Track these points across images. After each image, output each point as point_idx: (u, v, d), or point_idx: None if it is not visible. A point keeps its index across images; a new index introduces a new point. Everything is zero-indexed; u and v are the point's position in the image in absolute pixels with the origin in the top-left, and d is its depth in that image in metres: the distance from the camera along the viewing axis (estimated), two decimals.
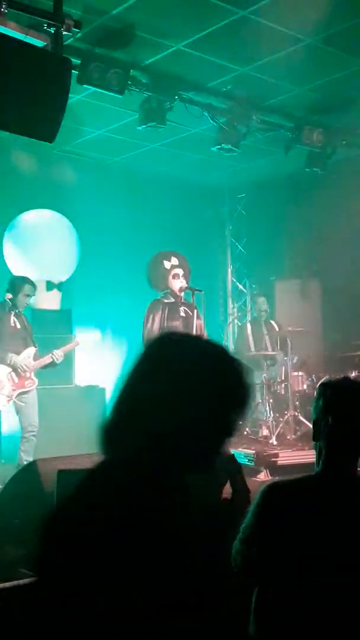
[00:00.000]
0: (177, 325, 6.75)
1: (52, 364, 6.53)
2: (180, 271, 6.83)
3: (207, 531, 1.88)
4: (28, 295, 6.55)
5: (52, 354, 6.48)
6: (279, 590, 2.08)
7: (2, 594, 3.12)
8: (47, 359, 6.48)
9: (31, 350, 6.48)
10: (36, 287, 6.75)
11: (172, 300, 6.83)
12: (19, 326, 6.48)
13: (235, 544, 2.21)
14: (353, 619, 2.01)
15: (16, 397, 6.32)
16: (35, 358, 6.48)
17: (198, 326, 6.72)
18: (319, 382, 2.36)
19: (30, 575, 3.28)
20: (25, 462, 6.10)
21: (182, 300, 6.88)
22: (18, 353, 6.37)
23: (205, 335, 6.76)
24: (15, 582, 3.19)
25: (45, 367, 6.53)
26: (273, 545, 2.09)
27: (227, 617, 2.63)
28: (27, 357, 6.42)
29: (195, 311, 6.74)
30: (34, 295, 6.73)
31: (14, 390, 6.30)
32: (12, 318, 6.44)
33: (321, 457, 2.21)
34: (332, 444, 2.19)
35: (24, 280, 6.62)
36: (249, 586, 2.19)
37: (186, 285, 6.80)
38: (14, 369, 6.30)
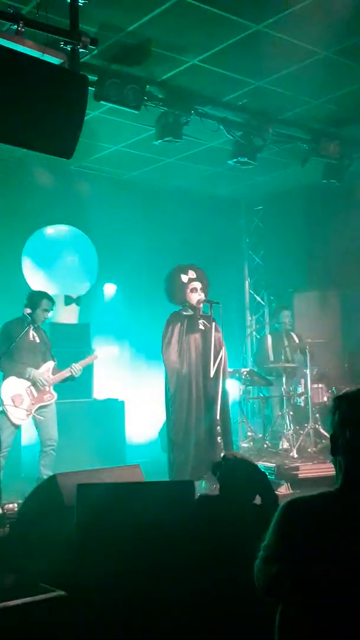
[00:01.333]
0: (196, 338, 6.75)
1: (71, 378, 6.55)
2: (198, 284, 6.83)
3: None
4: (46, 310, 6.59)
5: (71, 368, 6.51)
6: (302, 609, 2.05)
7: (23, 609, 3.12)
8: (65, 373, 6.51)
9: (50, 364, 6.51)
10: (54, 302, 6.79)
11: (191, 313, 6.83)
12: (37, 340, 6.52)
13: (257, 562, 2.19)
14: None
15: (35, 411, 6.34)
16: (54, 372, 6.50)
17: (217, 339, 6.70)
18: (333, 398, 2.33)
19: (51, 590, 3.28)
20: (45, 476, 6.10)
21: (201, 313, 6.87)
22: (37, 367, 6.40)
23: (224, 347, 6.74)
24: (36, 597, 3.19)
25: (64, 381, 6.55)
26: (295, 563, 2.07)
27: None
28: (46, 371, 6.45)
29: (214, 324, 6.73)
30: (52, 310, 6.77)
31: (33, 404, 6.32)
32: (31, 332, 6.48)
33: (341, 472, 2.18)
34: (352, 458, 2.16)
35: (43, 295, 6.66)
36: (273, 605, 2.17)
37: (204, 298, 6.80)
38: (33, 383, 6.33)
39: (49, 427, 6.47)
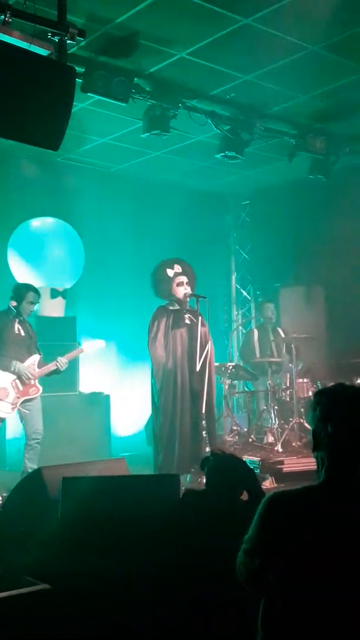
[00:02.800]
0: (182, 333, 6.75)
1: (57, 371, 6.53)
2: (184, 279, 6.84)
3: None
4: (32, 303, 6.56)
5: (57, 361, 6.49)
6: (285, 601, 2.07)
7: (8, 602, 3.11)
8: (51, 367, 6.48)
9: (35, 358, 6.48)
10: (40, 294, 6.75)
11: (177, 307, 6.83)
12: (23, 334, 6.48)
13: (240, 555, 2.20)
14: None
15: (21, 404, 6.32)
16: (40, 365, 6.48)
17: (203, 333, 6.71)
18: (314, 393, 2.33)
19: (35, 583, 3.28)
20: (29, 470, 6.09)
21: (187, 308, 6.88)
22: (22, 360, 6.37)
23: (210, 341, 6.75)
24: (20, 590, 3.18)
25: (50, 374, 6.53)
26: (276, 556, 2.08)
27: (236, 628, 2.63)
28: (31, 364, 6.42)
29: (200, 318, 6.74)
30: (38, 302, 6.74)
31: (18, 397, 6.29)
32: (17, 325, 6.44)
33: (323, 467, 2.19)
34: (334, 453, 2.17)
35: (28, 287, 6.63)
36: (257, 598, 2.18)
37: (190, 292, 6.80)
38: (18, 376, 6.30)
39: (34, 421, 6.44)
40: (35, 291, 6.61)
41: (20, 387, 6.32)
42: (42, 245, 8.60)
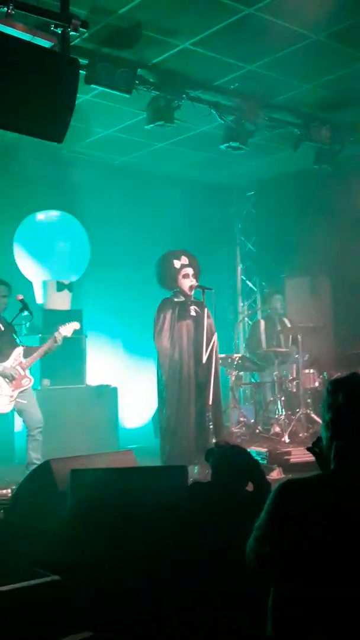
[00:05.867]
0: (188, 324, 6.74)
1: (50, 349, 6.45)
2: (190, 270, 6.82)
3: None
4: (4, 296, 6.49)
5: (54, 336, 6.41)
6: (295, 590, 2.07)
7: (18, 594, 3.13)
8: (41, 351, 6.43)
9: (19, 350, 6.40)
10: (8, 286, 6.63)
11: (183, 299, 6.82)
12: (3, 328, 6.42)
13: (249, 542, 2.19)
14: None
15: (17, 396, 6.30)
16: (28, 353, 6.41)
17: (208, 325, 6.70)
18: (330, 382, 2.32)
19: (45, 575, 3.29)
20: (34, 461, 6.10)
21: (192, 299, 6.87)
22: (6, 355, 6.31)
23: (215, 333, 6.74)
24: (30, 582, 3.20)
25: (45, 354, 6.46)
26: (287, 544, 2.08)
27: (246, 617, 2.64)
28: (17, 357, 6.35)
29: (206, 310, 6.73)
30: (8, 295, 6.57)
31: (13, 390, 6.27)
32: None
33: (335, 456, 2.18)
34: (349, 442, 2.17)
35: None
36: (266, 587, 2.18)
37: (196, 284, 6.78)
38: (4, 376, 6.25)
39: (32, 411, 6.41)
40: (4, 284, 6.54)
41: (13, 382, 6.29)
42: (47, 238, 8.60)
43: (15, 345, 6.41)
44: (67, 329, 6.50)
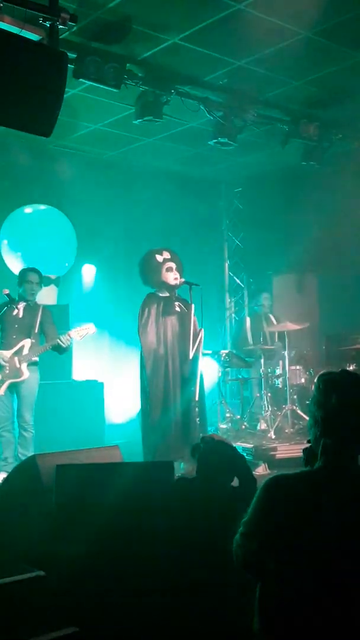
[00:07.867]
0: (173, 320, 6.74)
1: (57, 348, 6.45)
2: (172, 264, 6.82)
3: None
4: (31, 282, 6.55)
5: (63, 338, 6.41)
6: (282, 585, 2.07)
7: (2, 589, 3.13)
8: (42, 349, 6.45)
9: (26, 342, 6.41)
10: (39, 273, 6.65)
11: (167, 294, 6.82)
12: (22, 316, 6.49)
13: (236, 538, 2.20)
14: (357, 613, 2.00)
15: (12, 385, 6.33)
16: (33, 348, 6.44)
17: (194, 321, 6.70)
18: (321, 380, 2.32)
19: (29, 570, 3.29)
20: (22, 457, 6.10)
21: (177, 296, 6.88)
22: (13, 344, 6.37)
23: (202, 329, 6.72)
24: (15, 577, 3.20)
25: (55, 349, 6.46)
26: (275, 539, 2.09)
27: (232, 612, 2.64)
28: (20, 348, 6.38)
29: (192, 307, 6.72)
30: (36, 282, 6.60)
31: (4, 376, 6.31)
32: (16, 310, 6.45)
33: (324, 453, 2.19)
34: (339, 440, 2.18)
35: (24, 269, 6.75)
36: (253, 581, 2.19)
37: (181, 280, 6.77)
38: None
39: (25, 408, 6.43)
40: (32, 270, 6.61)
41: (7, 370, 6.31)
42: (34, 232, 8.56)
43: (26, 337, 6.43)
44: (78, 333, 6.48)
